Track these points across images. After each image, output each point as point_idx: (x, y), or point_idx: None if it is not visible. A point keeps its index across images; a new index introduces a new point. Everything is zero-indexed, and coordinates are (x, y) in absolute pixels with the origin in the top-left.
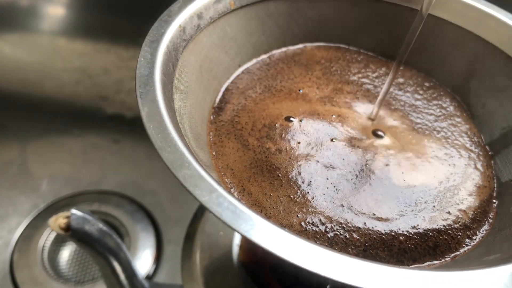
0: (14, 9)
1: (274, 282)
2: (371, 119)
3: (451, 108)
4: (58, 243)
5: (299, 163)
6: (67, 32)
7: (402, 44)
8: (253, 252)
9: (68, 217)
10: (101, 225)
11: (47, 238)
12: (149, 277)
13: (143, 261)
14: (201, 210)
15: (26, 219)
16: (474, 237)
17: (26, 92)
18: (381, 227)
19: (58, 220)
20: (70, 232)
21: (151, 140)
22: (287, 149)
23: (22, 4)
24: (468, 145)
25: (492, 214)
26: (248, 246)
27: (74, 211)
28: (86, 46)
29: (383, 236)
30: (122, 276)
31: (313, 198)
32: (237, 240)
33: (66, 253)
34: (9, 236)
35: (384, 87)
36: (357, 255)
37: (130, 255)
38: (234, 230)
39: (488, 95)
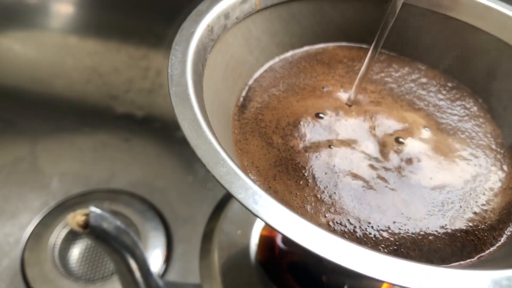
0: (25, 7)
1: (292, 282)
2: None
3: (475, 108)
4: (69, 240)
5: (325, 162)
6: (78, 31)
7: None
8: (271, 252)
9: (86, 215)
10: (118, 223)
11: (58, 235)
12: (159, 276)
13: (153, 260)
14: (219, 208)
15: (36, 217)
16: (499, 238)
17: (36, 90)
18: (411, 226)
19: (77, 217)
20: (89, 229)
21: (186, 138)
22: (312, 147)
23: (33, 2)
24: (493, 146)
25: None
26: (266, 245)
27: (92, 208)
28: (97, 44)
29: (413, 236)
30: (137, 274)
31: (340, 198)
32: (255, 239)
33: (77, 251)
34: (20, 234)
35: (362, 70)
36: (389, 254)
37: None
38: (271, 226)
39: (509, 97)
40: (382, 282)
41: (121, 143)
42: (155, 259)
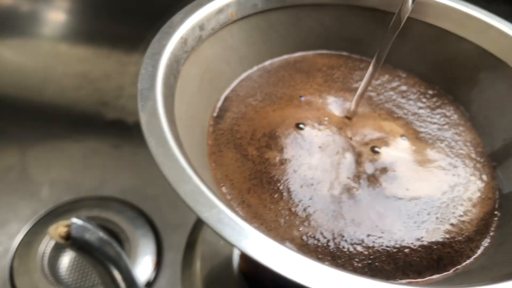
0: (16, 15)
1: None
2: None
3: (455, 116)
4: (59, 249)
5: (299, 175)
6: (68, 38)
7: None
8: (254, 263)
9: (68, 226)
10: (101, 234)
11: (47, 244)
12: (149, 283)
13: (143, 267)
14: None
15: (26, 225)
16: (476, 250)
17: (27, 97)
18: (386, 239)
19: (58, 229)
20: (71, 241)
21: (152, 155)
22: (287, 160)
23: (24, 10)
24: (473, 155)
25: (494, 226)
26: (249, 256)
27: (74, 219)
28: (87, 51)
29: (388, 249)
30: (122, 285)
31: (314, 211)
32: (238, 250)
33: (67, 259)
34: (9, 242)
35: (362, 85)
36: (363, 268)
37: (131, 261)
38: (234, 246)
39: (489, 106)
40: None
41: (111, 150)
42: (145, 266)
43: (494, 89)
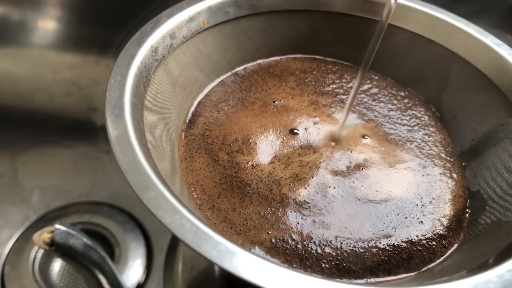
0: (5, 24)
1: None
2: (342, 132)
3: (426, 117)
4: (50, 255)
5: (269, 179)
6: (57, 45)
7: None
8: None
9: (52, 232)
10: (85, 239)
11: (38, 250)
12: (140, 286)
13: (134, 271)
14: None
15: (17, 232)
16: (449, 246)
17: (16, 104)
18: (354, 240)
19: (43, 235)
20: (55, 247)
21: (118, 163)
22: (257, 164)
23: (14, 18)
24: (443, 155)
25: (465, 222)
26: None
27: (58, 226)
28: (76, 58)
29: (356, 250)
30: None
31: (284, 214)
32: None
33: (57, 265)
34: (0, 249)
35: (350, 97)
36: (330, 269)
37: (121, 265)
38: (195, 251)
39: (458, 106)
40: None
41: (101, 155)
42: (136, 269)
43: (462, 90)
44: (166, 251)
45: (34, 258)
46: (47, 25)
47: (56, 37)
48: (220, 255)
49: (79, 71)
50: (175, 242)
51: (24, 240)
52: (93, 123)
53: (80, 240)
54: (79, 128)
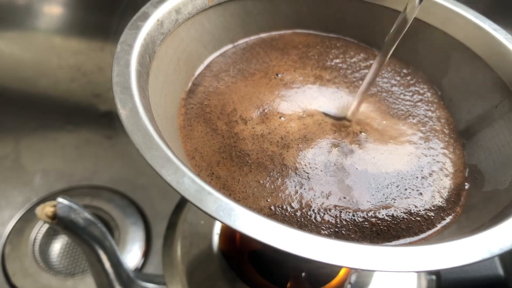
0: (12, 8)
1: (252, 269)
2: (347, 108)
3: (429, 94)
4: (50, 236)
5: (268, 149)
6: (63, 31)
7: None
8: (232, 241)
9: (54, 206)
10: (86, 214)
11: (39, 231)
12: (138, 270)
13: (132, 255)
14: (184, 200)
15: (18, 212)
16: (446, 218)
17: (21, 88)
18: (353, 209)
19: (45, 209)
20: (57, 220)
21: (123, 124)
22: (257, 135)
23: (19, 3)
24: (446, 131)
25: (463, 196)
26: (227, 234)
27: (60, 200)
28: (81, 44)
29: (355, 218)
30: (107, 264)
31: (283, 183)
32: (217, 229)
33: (57, 246)
34: (1, 229)
35: (366, 80)
36: (329, 235)
37: (120, 248)
38: (196, 206)
39: (455, 89)
40: (334, 266)
41: (103, 141)
42: (134, 253)
43: (459, 73)
44: (165, 228)
45: (35, 239)
46: (53, 10)
47: (61, 23)
48: (220, 210)
49: (84, 57)
50: (175, 219)
51: (25, 221)
52: (96, 109)
53: (81, 215)
54: (82, 113)
